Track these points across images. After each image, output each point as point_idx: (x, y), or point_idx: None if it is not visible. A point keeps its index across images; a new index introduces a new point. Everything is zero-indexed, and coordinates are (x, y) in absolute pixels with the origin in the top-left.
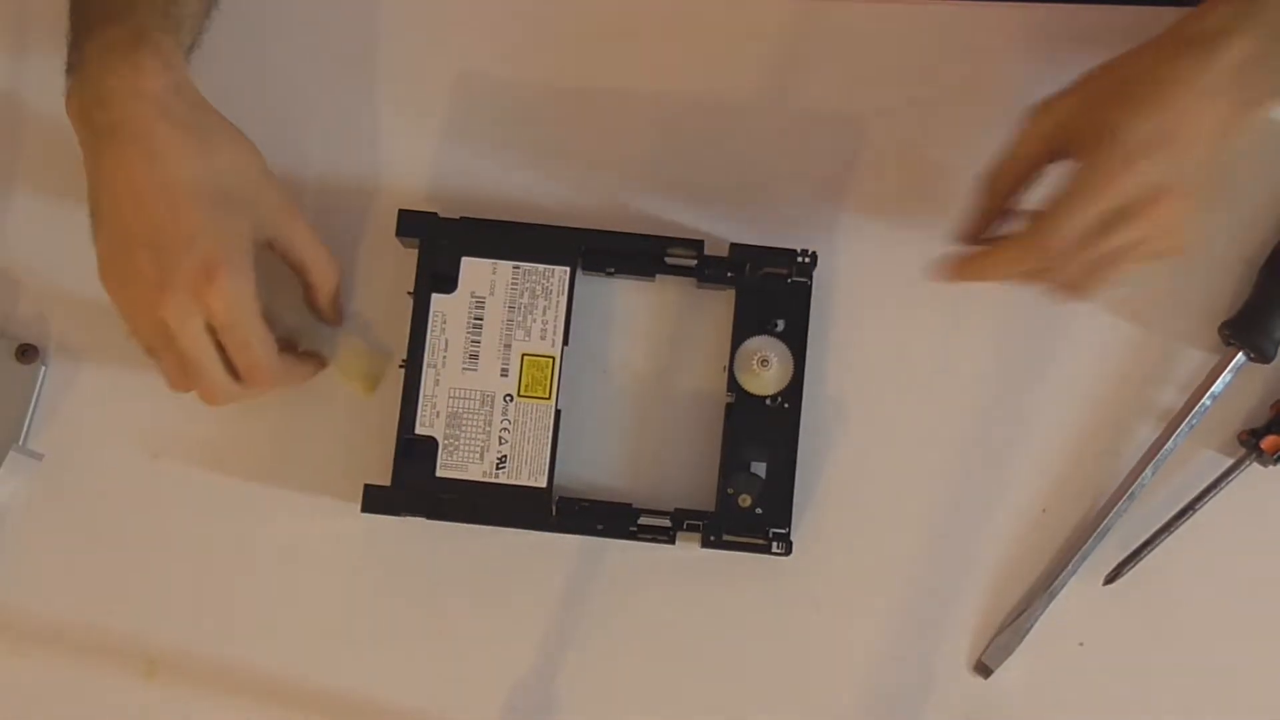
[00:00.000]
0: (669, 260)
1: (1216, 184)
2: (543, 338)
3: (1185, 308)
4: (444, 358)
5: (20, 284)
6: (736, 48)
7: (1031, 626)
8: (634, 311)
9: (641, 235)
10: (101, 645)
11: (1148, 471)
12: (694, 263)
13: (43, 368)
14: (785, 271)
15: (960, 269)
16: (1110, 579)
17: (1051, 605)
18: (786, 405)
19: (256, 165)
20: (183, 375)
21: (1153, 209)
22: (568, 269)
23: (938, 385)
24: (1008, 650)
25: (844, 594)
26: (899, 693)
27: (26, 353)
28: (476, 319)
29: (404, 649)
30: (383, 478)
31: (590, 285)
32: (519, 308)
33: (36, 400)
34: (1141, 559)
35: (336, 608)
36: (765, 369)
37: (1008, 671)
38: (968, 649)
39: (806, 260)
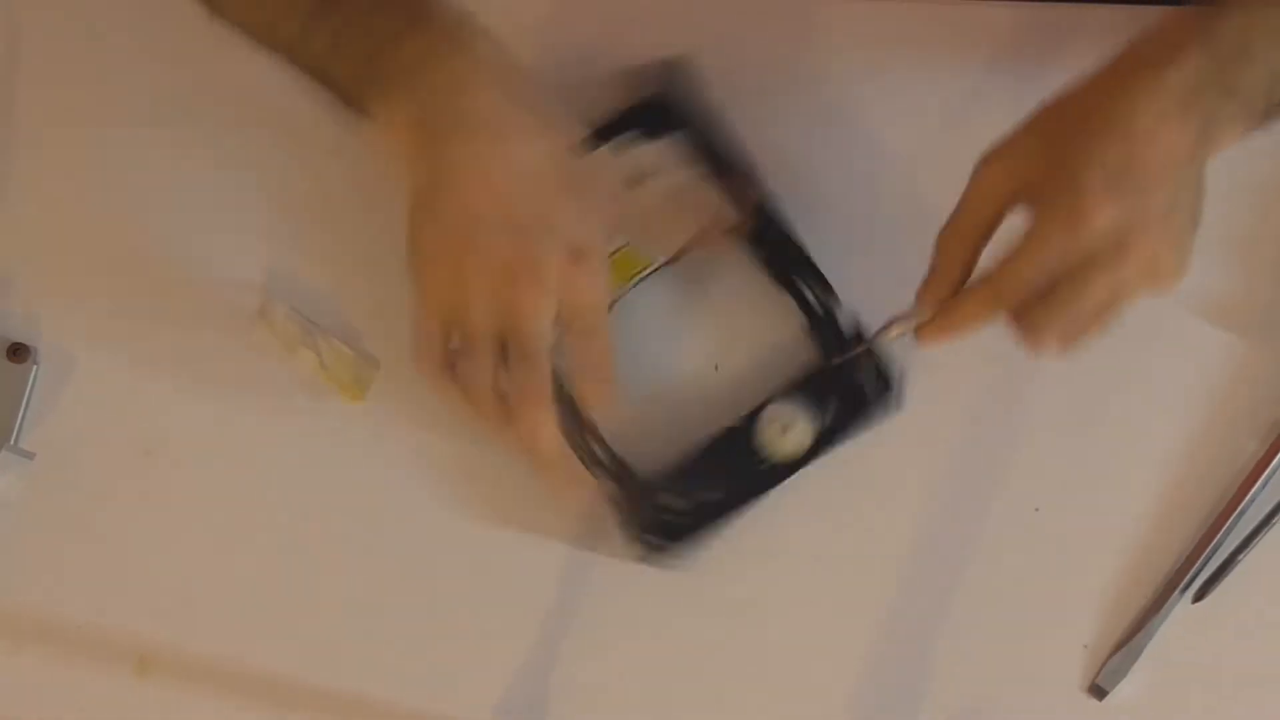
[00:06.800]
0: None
1: (1197, 207)
2: None
3: None
4: None
5: (12, 283)
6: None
7: (1146, 645)
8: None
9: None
10: (93, 643)
11: (1258, 485)
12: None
13: (34, 367)
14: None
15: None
16: (1199, 597)
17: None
18: None
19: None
20: (491, 376)
21: (1123, 253)
22: None
23: (934, 389)
24: (1121, 672)
25: (832, 593)
26: (886, 694)
27: (18, 352)
28: None
29: (394, 646)
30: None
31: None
32: None
33: (28, 400)
34: (1228, 574)
35: (330, 604)
36: (786, 434)
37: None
38: (965, 652)
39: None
